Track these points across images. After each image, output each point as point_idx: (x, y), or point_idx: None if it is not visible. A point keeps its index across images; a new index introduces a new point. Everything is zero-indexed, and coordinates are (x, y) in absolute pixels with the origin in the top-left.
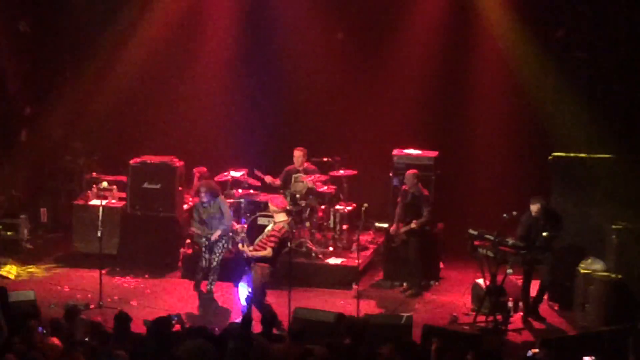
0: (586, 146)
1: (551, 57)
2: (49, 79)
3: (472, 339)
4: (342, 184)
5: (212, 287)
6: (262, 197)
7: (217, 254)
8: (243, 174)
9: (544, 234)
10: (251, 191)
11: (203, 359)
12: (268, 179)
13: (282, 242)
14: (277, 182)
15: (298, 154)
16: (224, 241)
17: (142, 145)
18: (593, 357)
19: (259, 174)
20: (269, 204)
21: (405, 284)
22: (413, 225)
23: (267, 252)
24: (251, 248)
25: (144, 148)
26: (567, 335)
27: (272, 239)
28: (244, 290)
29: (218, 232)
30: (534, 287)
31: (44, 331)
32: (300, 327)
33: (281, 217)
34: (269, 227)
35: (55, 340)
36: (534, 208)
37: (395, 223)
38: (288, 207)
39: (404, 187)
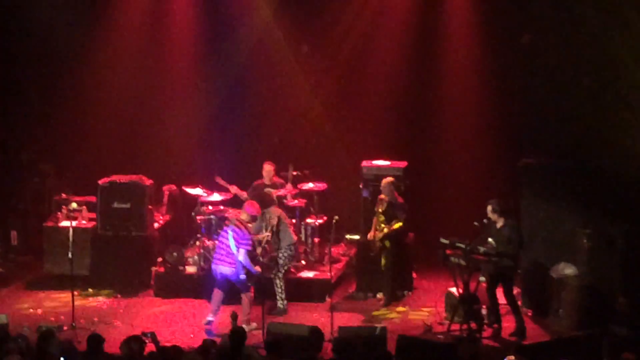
0: (554, 152)
1: (518, 64)
2: (15, 102)
3: (446, 348)
4: (312, 197)
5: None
6: (232, 212)
7: None
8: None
9: (489, 240)
10: (221, 207)
11: None
12: (233, 188)
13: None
14: (245, 195)
15: (268, 168)
16: None
17: (111, 164)
18: None
19: (220, 181)
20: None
21: (378, 295)
22: (386, 229)
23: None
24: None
25: (112, 167)
26: (541, 341)
27: None
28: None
29: None
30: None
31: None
32: (276, 339)
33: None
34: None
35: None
36: (488, 209)
37: (373, 231)
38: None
39: (380, 196)
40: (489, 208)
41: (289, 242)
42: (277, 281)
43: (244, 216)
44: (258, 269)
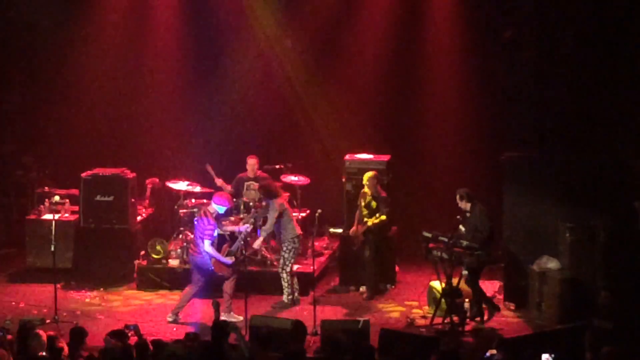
0: (537, 146)
1: (500, 57)
2: None
3: (429, 341)
4: (295, 191)
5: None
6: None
7: None
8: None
9: (460, 227)
10: (204, 201)
11: None
12: (219, 181)
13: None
14: (229, 187)
15: (252, 161)
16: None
17: (94, 157)
18: (552, 355)
19: (210, 170)
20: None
21: (361, 288)
22: (369, 223)
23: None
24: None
25: (95, 160)
26: (523, 334)
27: None
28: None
29: None
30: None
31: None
32: (264, 334)
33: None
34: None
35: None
36: (457, 198)
37: (355, 225)
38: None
39: (363, 189)
40: (457, 197)
41: (291, 236)
42: (284, 275)
43: (210, 208)
44: (229, 259)
